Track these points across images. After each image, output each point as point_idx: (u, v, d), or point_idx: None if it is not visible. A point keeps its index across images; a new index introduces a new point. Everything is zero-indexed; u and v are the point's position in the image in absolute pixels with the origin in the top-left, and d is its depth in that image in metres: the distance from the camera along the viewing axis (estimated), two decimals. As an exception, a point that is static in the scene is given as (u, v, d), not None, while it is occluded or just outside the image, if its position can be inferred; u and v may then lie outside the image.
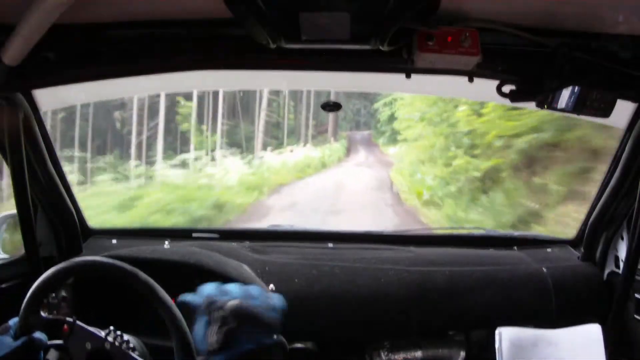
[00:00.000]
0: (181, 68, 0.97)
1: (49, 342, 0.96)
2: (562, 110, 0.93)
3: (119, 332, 0.90)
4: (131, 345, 0.91)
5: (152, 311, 0.89)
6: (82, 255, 1.28)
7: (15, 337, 0.85)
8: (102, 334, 0.89)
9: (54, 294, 1.13)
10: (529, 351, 1.15)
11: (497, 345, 1.15)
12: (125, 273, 0.88)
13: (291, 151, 12.74)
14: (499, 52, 0.90)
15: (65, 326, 0.88)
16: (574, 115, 0.95)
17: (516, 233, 1.52)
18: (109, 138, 11.18)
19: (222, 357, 0.68)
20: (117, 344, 0.88)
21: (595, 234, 1.29)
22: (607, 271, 1.28)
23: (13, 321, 0.87)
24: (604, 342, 1.15)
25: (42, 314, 0.90)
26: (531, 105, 0.96)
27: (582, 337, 1.15)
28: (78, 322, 0.89)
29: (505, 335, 1.16)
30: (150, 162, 10.36)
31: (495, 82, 0.93)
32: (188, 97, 10.63)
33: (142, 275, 0.89)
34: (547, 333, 1.17)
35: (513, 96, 0.93)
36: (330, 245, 1.38)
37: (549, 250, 1.39)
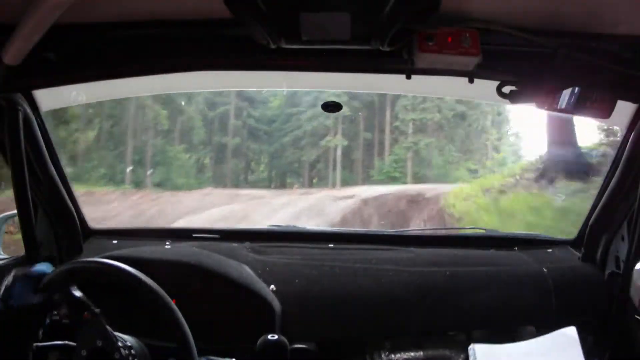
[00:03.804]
0: (181, 68, 0.97)
1: (51, 343, 0.96)
2: (562, 110, 0.93)
3: (134, 352, 0.91)
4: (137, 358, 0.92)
5: (152, 311, 0.89)
6: (82, 256, 1.28)
7: (37, 290, 0.91)
8: (118, 342, 0.89)
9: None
10: None
11: None
12: (125, 274, 0.89)
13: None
14: (499, 53, 0.90)
15: (87, 313, 0.89)
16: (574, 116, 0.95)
17: (517, 233, 1.52)
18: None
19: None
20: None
21: (595, 234, 1.29)
22: (607, 272, 1.27)
23: (37, 269, 0.93)
24: (602, 342, 1.15)
25: (72, 288, 0.92)
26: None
27: (558, 342, 1.15)
28: (101, 317, 0.90)
29: (479, 351, 1.15)
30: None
31: (495, 83, 0.93)
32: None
33: (142, 275, 0.89)
34: (521, 345, 1.16)
35: (513, 97, 0.92)
36: (331, 245, 1.38)
37: (549, 250, 1.39)
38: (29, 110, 1.08)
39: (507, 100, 0.93)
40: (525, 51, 0.90)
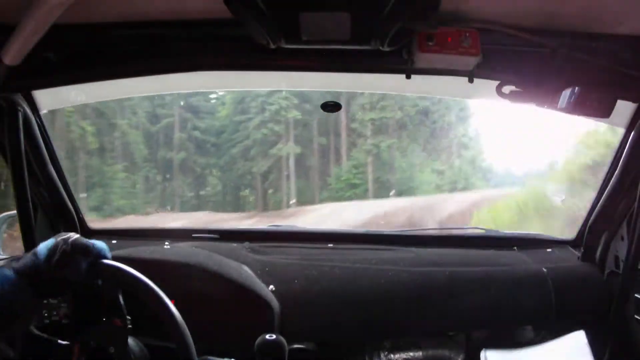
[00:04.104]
0: (181, 68, 0.97)
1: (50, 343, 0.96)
2: (562, 110, 0.93)
3: None
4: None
5: (152, 311, 0.89)
6: None
7: (94, 271, 0.87)
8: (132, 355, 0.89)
9: None
10: None
11: None
12: (123, 274, 0.89)
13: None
14: (499, 52, 0.90)
15: (119, 321, 0.89)
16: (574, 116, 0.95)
17: (516, 233, 1.52)
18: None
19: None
20: None
21: (595, 234, 1.29)
22: (607, 271, 1.28)
23: (98, 247, 0.88)
24: (602, 341, 1.15)
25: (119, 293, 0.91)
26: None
27: (567, 347, 1.15)
28: (129, 330, 0.90)
29: (491, 358, 1.16)
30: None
31: (495, 83, 0.93)
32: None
33: (141, 276, 0.89)
34: (531, 351, 1.17)
35: (513, 97, 0.93)
36: (330, 245, 1.38)
37: (549, 250, 1.39)
38: (28, 110, 1.08)
39: (507, 100, 0.93)
40: (525, 51, 0.90)
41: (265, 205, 10.64)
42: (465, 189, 9.85)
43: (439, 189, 9.87)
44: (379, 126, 10.78)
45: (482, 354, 1.16)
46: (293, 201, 10.32)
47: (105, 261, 0.88)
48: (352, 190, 10.02)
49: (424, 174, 10.35)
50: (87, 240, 0.87)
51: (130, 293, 0.90)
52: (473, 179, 10.34)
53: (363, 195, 9.98)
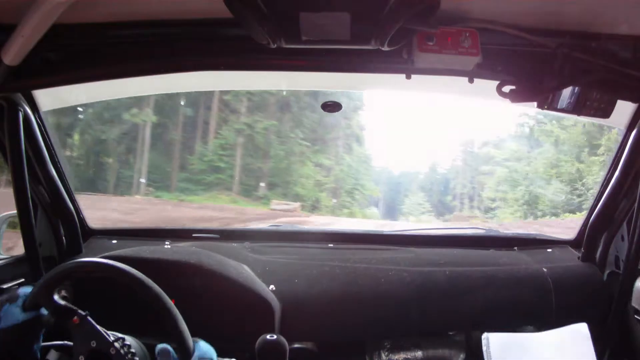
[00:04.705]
0: (181, 68, 0.97)
1: (51, 343, 0.96)
2: (562, 110, 0.93)
3: (127, 342, 0.91)
4: (133, 350, 0.92)
5: (152, 312, 0.89)
6: (82, 256, 1.28)
7: (24, 309, 0.90)
8: (111, 338, 0.89)
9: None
10: (517, 355, 1.15)
11: (484, 350, 1.16)
12: (122, 273, 0.89)
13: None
14: (499, 52, 0.90)
15: (76, 318, 0.89)
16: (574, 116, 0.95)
17: (516, 233, 1.52)
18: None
19: None
20: (122, 352, 0.89)
21: (595, 234, 1.29)
22: (607, 271, 1.28)
23: (23, 291, 0.92)
24: (602, 341, 1.16)
25: (55, 297, 0.91)
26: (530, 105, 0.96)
27: (570, 337, 1.16)
28: (89, 318, 0.90)
29: (493, 340, 1.16)
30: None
31: (495, 82, 0.93)
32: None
33: (141, 275, 0.89)
34: (534, 336, 1.17)
35: (513, 96, 0.92)
36: (331, 245, 1.38)
37: (549, 250, 1.39)
38: (29, 110, 1.08)
39: (508, 100, 0.93)
40: (525, 51, 0.90)
41: (116, 184, 8.67)
42: (352, 190, 8.42)
43: (319, 186, 8.46)
44: (258, 103, 8.69)
45: (485, 337, 1.16)
46: (143, 180, 8.63)
47: (29, 292, 0.93)
48: (215, 175, 8.39)
49: (305, 167, 8.67)
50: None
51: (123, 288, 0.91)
52: (364, 181, 8.82)
53: (228, 182, 8.34)
